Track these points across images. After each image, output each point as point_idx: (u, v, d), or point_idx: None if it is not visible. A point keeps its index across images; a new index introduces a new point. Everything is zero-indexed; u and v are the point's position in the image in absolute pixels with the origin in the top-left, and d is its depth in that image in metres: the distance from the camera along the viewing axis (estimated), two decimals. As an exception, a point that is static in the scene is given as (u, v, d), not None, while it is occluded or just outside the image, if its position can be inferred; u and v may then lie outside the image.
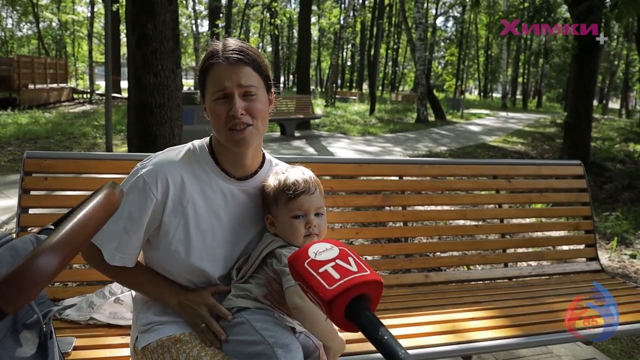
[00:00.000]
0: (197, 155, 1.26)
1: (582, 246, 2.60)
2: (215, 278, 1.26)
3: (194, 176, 1.23)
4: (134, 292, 1.40)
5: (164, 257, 1.24)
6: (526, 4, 9.82)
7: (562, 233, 2.80)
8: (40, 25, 28.76)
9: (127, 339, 1.62)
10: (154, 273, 1.29)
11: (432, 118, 18.01)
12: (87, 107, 16.78)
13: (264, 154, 1.35)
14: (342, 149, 10.28)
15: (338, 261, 0.70)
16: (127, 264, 1.23)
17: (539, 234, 2.86)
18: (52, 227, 0.93)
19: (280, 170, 1.29)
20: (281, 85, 37.49)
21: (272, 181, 1.26)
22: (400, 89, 44.12)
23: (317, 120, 14.29)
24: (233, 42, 1.22)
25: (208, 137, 1.31)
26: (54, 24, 31.41)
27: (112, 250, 1.20)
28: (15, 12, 32.92)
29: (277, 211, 1.24)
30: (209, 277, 1.25)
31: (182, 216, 1.21)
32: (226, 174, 1.26)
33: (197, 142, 1.29)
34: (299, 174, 1.27)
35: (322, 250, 0.72)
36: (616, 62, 32.97)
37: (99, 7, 25.53)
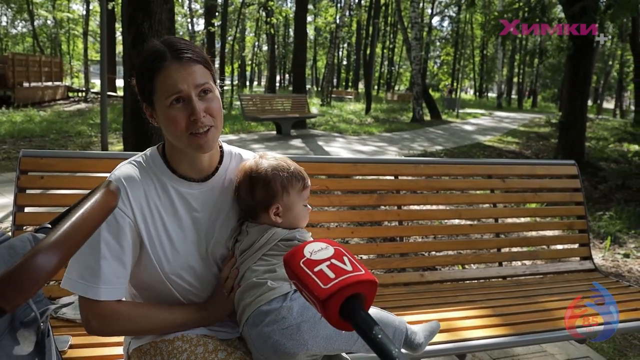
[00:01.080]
0: (152, 166, 1.20)
1: (575, 245, 2.62)
2: (197, 286, 1.25)
3: (154, 189, 1.18)
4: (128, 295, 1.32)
5: (145, 272, 1.20)
6: (520, 4, 9.85)
7: (556, 232, 2.82)
8: (35, 23, 28.58)
9: (121, 338, 1.63)
10: (156, 303, 1.24)
11: (427, 117, 18.06)
12: (82, 105, 16.71)
13: (221, 146, 1.30)
14: (338, 148, 10.29)
15: (333, 260, 0.70)
16: (115, 295, 1.14)
17: (533, 233, 2.88)
18: (49, 225, 0.93)
19: (274, 158, 1.29)
20: (277, 84, 37.42)
21: (276, 170, 1.25)
22: (396, 88, 44.15)
23: (313, 120, 14.29)
24: (177, 41, 1.14)
25: (160, 144, 1.25)
26: (49, 21, 31.24)
27: (94, 284, 1.10)
28: (10, 10, 32.71)
29: (290, 199, 1.26)
30: (191, 285, 1.24)
31: (153, 229, 1.17)
32: (185, 179, 1.21)
33: (149, 152, 1.23)
34: (294, 163, 1.32)
35: (317, 250, 0.73)
36: (610, 62, 33.15)
37: (95, 5, 25.42)
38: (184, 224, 1.21)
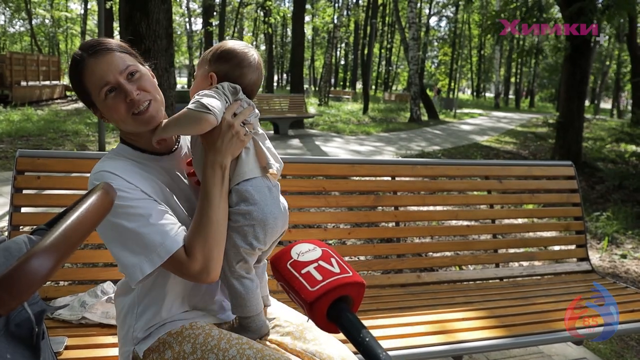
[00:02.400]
0: (125, 153, 1.23)
1: (573, 247, 2.63)
2: None
3: (138, 167, 1.20)
4: (116, 312, 1.30)
5: None
6: (518, 3, 9.86)
7: (553, 233, 2.83)
8: (33, 22, 28.49)
9: (117, 338, 1.62)
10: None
11: (425, 117, 18.08)
12: (80, 104, 16.65)
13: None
14: (336, 148, 10.29)
15: (321, 262, 0.70)
16: (181, 237, 1.13)
17: (531, 234, 2.88)
18: (45, 227, 0.93)
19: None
20: (275, 84, 37.38)
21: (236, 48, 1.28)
22: (394, 88, 44.21)
23: (310, 120, 14.29)
24: (90, 41, 1.19)
25: (120, 141, 1.28)
26: (46, 20, 31.16)
27: (172, 237, 1.10)
28: (7, 9, 32.60)
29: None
30: None
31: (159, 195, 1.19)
32: (155, 155, 1.25)
33: (115, 148, 1.27)
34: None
35: (305, 251, 0.72)
36: (608, 63, 33.25)
37: (92, 5, 25.36)
38: (178, 190, 1.24)
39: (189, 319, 1.24)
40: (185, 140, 1.35)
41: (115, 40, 1.22)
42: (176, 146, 1.30)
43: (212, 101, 1.15)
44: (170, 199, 1.21)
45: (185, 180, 1.28)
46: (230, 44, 1.29)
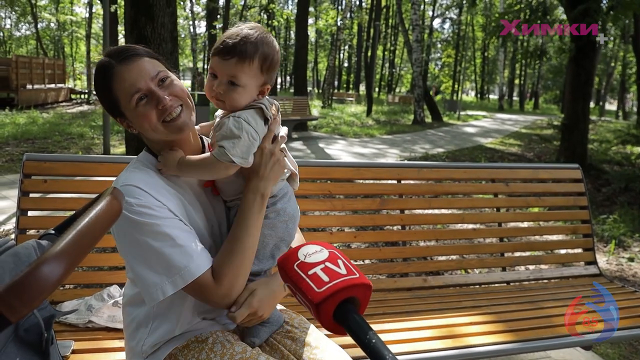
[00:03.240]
0: (148, 164, 1.20)
1: (580, 250, 2.61)
2: None
3: (163, 180, 1.18)
4: (125, 320, 1.28)
5: None
6: (521, 5, 9.86)
7: (560, 237, 2.81)
8: (39, 25, 28.67)
9: (124, 342, 1.62)
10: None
11: (428, 120, 18.05)
12: (85, 107, 16.74)
13: (201, 138, 1.30)
14: (339, 150, 10.29)
15: (327, 264, 0.70)
16: (207, 260, 1.13)
17: (537, 237, 2.87)
18: (54, 232, 0.93)
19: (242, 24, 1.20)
20: (278, 86, 37.45)
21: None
22: (397, 90, 44.20)
23: (314, 122, 14.29)
24: (116, 47, 1.16)
25: (145, 148, 1.25)
26: (52, 24, 31.34)
27: (197, 263, 1.09)
28: (13, 13, 32.84)
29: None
30: None
31: (185, 211, 1.18)
32: None
33: (140, 156, 1.23)
34: (239, 33, 1.14)
35: (311, 253, 0.72)
36: (613, 64, 33.12)
37: (97, 8, 25.48)
38: (197, 207, 1.22)
39: (197, 330, 1.23)
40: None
41: (144, 46, 1.19)
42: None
43: (239, 148, 1.12)
44: (192, 215, 1.19)
45: (205, 194, 1.24)
46: (274, 42, 1.19)
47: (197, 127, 1.32)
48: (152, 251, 1.08)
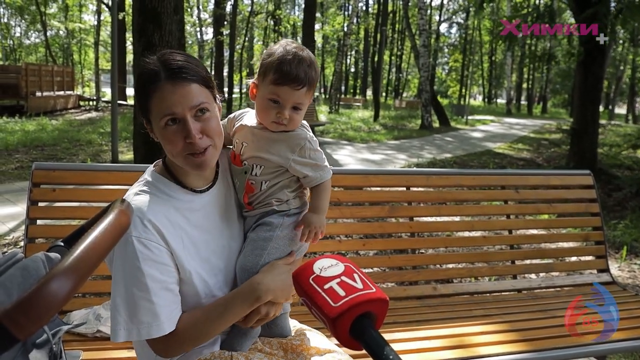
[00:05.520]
0: (159, 186, 1.17)
1: (592, 257, 2.57)
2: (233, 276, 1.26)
3: (170, 207, 1.15)
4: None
5: (188, 294, 1.18)
6: (529, 9, 9.82)
7: (571, 244, 2.77)
8: (48, 33, 29.01)
9: (133, 352, 1.61)
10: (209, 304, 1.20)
11: (436, 124, 18.00)
12: (93, 114, 16.88)
13: None
14: (347, 156, 10.27)
15: (343, 278, 0.69)
16: (176, 321, 1.13)
17: (549, 245, 2.83)
18: (62, 244, 0.92)
19: (285, 46, 1.18)
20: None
21: (272, 51, 1.17)
22: (404, 95, 44.16)
23: (321, 127, 14.29)
24: (173, 58, 1.10)
25: (159, 161, 1.23)
26: (61, 32, 31.70)
27: (161, 322, 1.09)
28: (23, 21, 33.29)
29: (261, 84, 1.19)
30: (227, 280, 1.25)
31: (183, 249, 1.15)
32: (192, 191, 1.19)
33: (149, 176, 1.19)
34: (297, 58, 1.15)
35: (327, 266, 0.71)
36: (622, 67, 32.86)
37: (105, 16, 25.77)
38: (206, 229, 1.20)
39: (205, 346, 1.22)
40: (226, 177, 1.29)
41: (199, 65, 1.13)
42: (212, 184, 1.23)
43: (324, 159, 1.26)
44: (199, 245, 1.17)
45: (218, 217, 1.23)
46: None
47: None
48: (129, 292, 1.07)
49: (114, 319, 1.09)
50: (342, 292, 0.66)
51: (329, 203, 1.26)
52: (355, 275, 0.69)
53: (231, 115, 1.32)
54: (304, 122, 1.26)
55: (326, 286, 0.68)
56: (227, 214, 1.26)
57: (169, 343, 1.13)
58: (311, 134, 1.25)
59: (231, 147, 1.29)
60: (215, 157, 1.15)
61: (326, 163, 1.24)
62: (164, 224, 1.11)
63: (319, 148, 1.24)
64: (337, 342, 0.69)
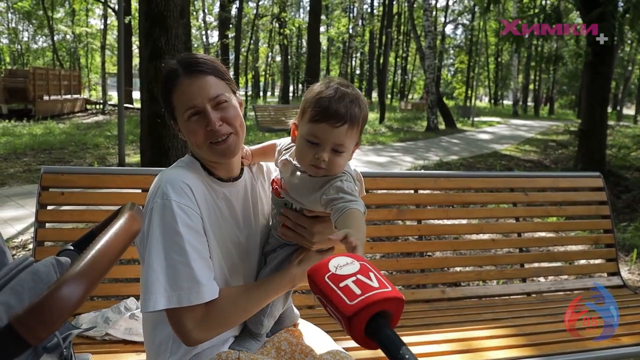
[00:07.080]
0: (193, 168, 1.22)
1: (602, 260, 2.54)
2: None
3: (204, 184, 1.20)
4: (147, 337, 1.27)
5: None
6: (535, 10, 9.77)
7: (581, 247, 2.75)
8: (55, 38, 29.25)
9: (142, 356, 1.61)
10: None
11: (442, 126, 17.94)
12: (100, 117, 16.99)
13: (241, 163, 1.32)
14: (353, 158, 10.11)
15: (359, 276, 0.68)
16: (216, 292, 1.14)
17: (558, 247, 2.81)
18: (72, 248, 0.92)
19: (327, 82, 1.13)
20: (290, 94, 37.67)
21: (314, 87, 1.14)
22: (410, 97, 44.08)
23: (327, 130, 14.25)
24: (190, 56, 1.18)
25: (190, 153, 1.27)
26: (68, 36, 31.98)
27: (204, 287, 1.09)
28: (31, 26, 33.59)
29: (300, 123, 1.13)
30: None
31: (213, 226, 1.19)
32: (220, 180, 1.24)
33: (186, 159, 1.25)
34: (339, 93, 1.07)
35: (342, 264, 0.71)
36: (630, 68, 32.62)
37: (112, 20, 25.94)
38: (227, 222, 1.24)
39: (215, 345, 1.23)
40: (250, 175, 1.32)
41: (215, 61, 1.19)
42: (239, 175, 1.28)
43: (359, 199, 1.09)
44: (224, 228, 1.21)
45: (238, 210, 1.26)
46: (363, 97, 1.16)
47: (247, 148, 1.33)
48: (168, 258, 1.08)
49: (149, 288, 1.07)
50: (358, 291, 0.66)
51: (365, 237, 1.05)
52: (371, 274, 0.69)
53: (278, 143, 1.29)
54: (352, 168, 1.13)
55: (342, 284, 0.67)
56: (245, 213, 1.28)
57: (207, 318, 1.10)
58: (350, 181, 1.10)
59: (276, 174, 1.27)
60: (238, 145, 1.19)
61: (359, 200, 1.09)
62: (200, 194, 1.16)
63: (353, 187, 1.09)
64: (350, 341, 0.69)
